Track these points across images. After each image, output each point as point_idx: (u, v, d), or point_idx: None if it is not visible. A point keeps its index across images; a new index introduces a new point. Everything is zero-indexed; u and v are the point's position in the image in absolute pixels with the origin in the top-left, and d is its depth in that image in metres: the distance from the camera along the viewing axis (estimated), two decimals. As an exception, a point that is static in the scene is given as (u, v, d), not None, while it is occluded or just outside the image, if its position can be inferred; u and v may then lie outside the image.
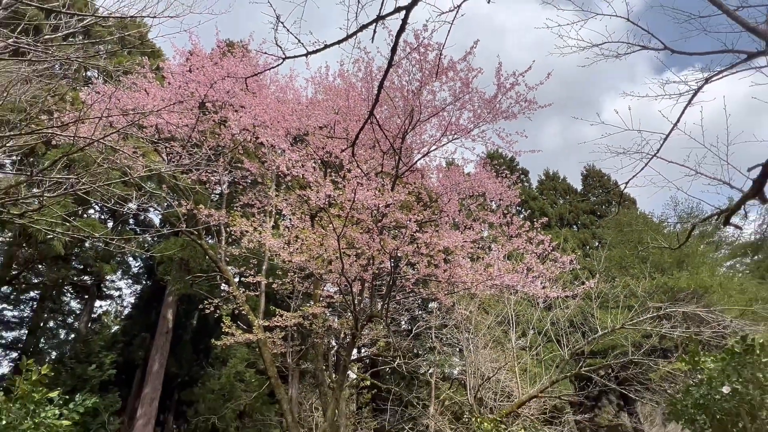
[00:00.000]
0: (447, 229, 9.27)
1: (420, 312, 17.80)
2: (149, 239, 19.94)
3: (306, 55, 3.55)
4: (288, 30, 3.35)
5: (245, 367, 17.80)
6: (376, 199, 8.02)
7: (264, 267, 11.62)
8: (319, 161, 10.15)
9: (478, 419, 8.37)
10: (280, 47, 3.49)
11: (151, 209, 18.70)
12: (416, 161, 9.67)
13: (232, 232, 10.11)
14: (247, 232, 9.45)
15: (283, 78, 11.37)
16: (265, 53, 6.34)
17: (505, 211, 9.75)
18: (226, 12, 5.31)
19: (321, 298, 10.63)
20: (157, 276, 19.49)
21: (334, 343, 16.84)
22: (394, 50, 3.80)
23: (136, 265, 24.70)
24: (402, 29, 3.52)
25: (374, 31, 3.51)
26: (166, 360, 18.44)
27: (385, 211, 8.40)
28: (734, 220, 5.00)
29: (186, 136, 9.54)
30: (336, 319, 12.64)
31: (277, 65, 3.72)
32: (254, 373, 17.87)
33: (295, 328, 11.49)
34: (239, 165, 11.14)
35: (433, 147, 9.32)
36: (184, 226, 10.27)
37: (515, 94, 8.25)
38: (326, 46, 3.56)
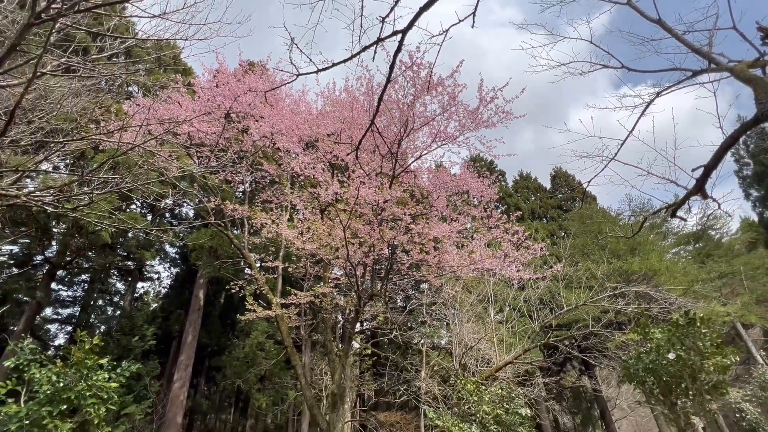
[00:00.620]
0: (436, 221, 9.28)
1: (413, 292, 17.85)
2: (183, 230, 19.92)
3: (316, 72, 3.53)
4: (301, 51, 3.33)
5: (265, 339, 17.85)
6: (376, 196, 8.01)
7: (281, 254, 11.63)
8: (328, 164, 10.12)
9: (463, 381, 8.42)
10: (294, 65, 3.47)
11: (185, 204, 18.65)
12: (410, 164, 9.65)
13: (254, 224, 10.10)
14: (266, 224, 9.43)
15: (297, 92, 11.30)
16: (282, 70, 6.29)
17: (486, 206, 9.75)
18: (248, 35, 5.27)
19: (329, 280, 10.65)
20: (190, 261, 19.49)
21: (340, 318, 16.89)
22: (391, 68, 3.77)
23: (172, 252, 24.69)
24: (398, 50, 3.49)
25: (375, 52, 3.49)
26: (198, 332, 18.49)
27: (384, 206, 8.39)
28: (680, 213, 5.00)
29: (214, 142, 9.49)
30: (342, 298, 12.67)
31: (292, 81, 3.70)
32: (273, 343, 17.93)
33: (307, 305, 11.52)
34: (259, 167, 11.11)
35: (425, 152, 9.30)
36: (213, 218, 10.25)
37: (495, 106, 8.23)
38: (334, 65, 3.54)
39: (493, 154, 8.85)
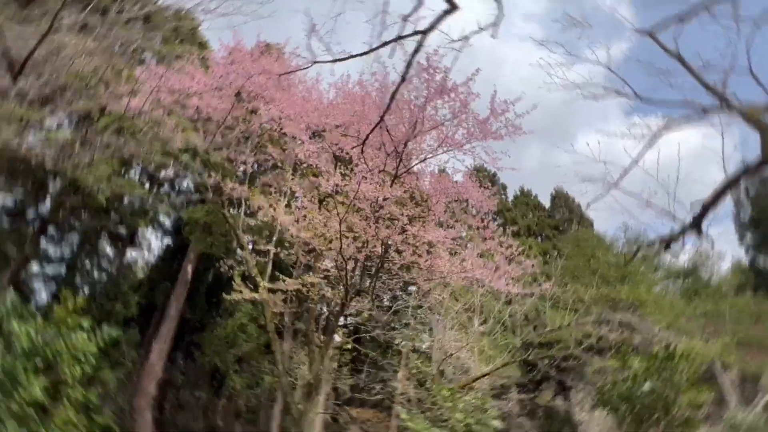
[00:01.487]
0: (432, 225, 9.30)
1: (401, 293, 17.88)
2: (180, 202, 19.83)
3: (333, 62, 3.53)
4: (320, 39, 3.33)
5: (248, 321, 17.80)
6: (377, 193, 8.02)
7: (274, 238, 11.59)
8: (332, 155, 10.11)
9: (439, 387, 8.47)
10: (312, 52, 3.47)
11: (185, 178, 18.57)
12: (414, 165, 9.65)
13: (251, 206, 10.08)
14: (263, 207, 9.43)
15: (310, 80, 11.25)
16: (298, 56, 6.28)
17: (483, 217, 9.78)
18: (269, 16, 5.26)
19: (319, 271, 10.66)
20: (183, 234, 19.38)
21: (325, 309, 16.90)
22: (408, 68, 3.78)
23: (166, 223, 24.53)
24: (417, 51, 3.49)
25: (393, 50, 3.49)
26: (182, 307, 18.45)
27: (383, 203, 8.40)
28: (673, 247, 5.04)
29: (221, 118, 9.46)
30: (330, 290, 12.66)
31: (307, 68, 3.70)
32: (255, 326, 17.87)
33: (294, 293, 11.50)
34: (264, 150, 11.08)
35: (430, 155, 9.30)
36: (211, 195, 10.23)
37: (505, 119, 8.23)
38: (351, 57, 3.54)
39: (497, 166, 8.90)
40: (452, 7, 3.29)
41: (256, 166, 13.00)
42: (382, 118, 4.07)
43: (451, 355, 12.35)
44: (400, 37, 3.34)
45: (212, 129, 9.53)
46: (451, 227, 9.45)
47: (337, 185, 8.64)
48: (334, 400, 20.32)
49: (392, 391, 14.03)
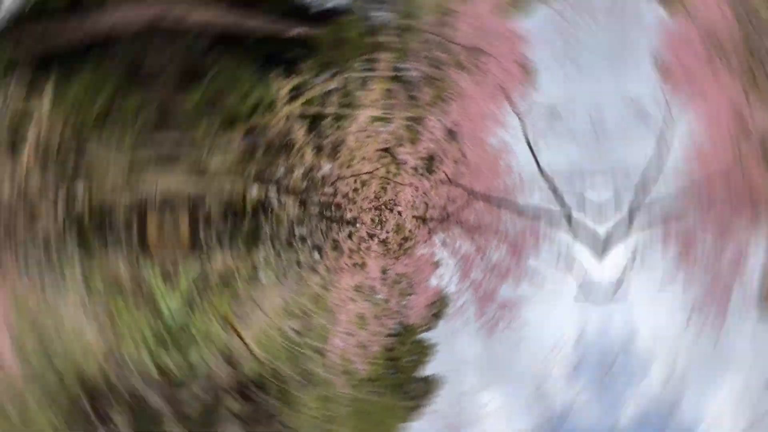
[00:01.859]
0: (380, 266, 9.39)
1: (309, 249, 17.93)
2: (356, 10, 19.73)
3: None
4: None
5: (249, 108, 17.74)
6: (404, 206, 8.13)
7: (342, 110, 11.54)
8: (431, 154, 10.10)
9: (225, 302, 8.51)
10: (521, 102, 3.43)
11: (383, 14, 18.53)
12: (437, 236, 9.62)
13: (367, 81, 10.03)
14: (370, 95, 9.44)
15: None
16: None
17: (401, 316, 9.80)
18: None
19: (321, 160, 10.70)
20: (325, 21, 19.32)
21: (281, 173, 16.89)
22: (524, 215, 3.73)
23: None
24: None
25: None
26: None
27: (394, 213, 8.48)
28: None
29: (461, 23, 9.31)
30: (300, 177, 12.67)
31: (501, 106, 3.71)
32: (244, 119, 17.87)
33: (289, 143, 11.53)
34: (432, 86, 10.99)
35: (451, 246, 9.24)
36: (373, 41, 10.19)
37: (499, 312, 8.17)
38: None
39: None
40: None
41: (411, 78, 12.89)
42: (472, 193, 4.05)
43: (259, 312, 12.38)
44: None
45: (444, 22, 9.36)
46: (384, 285, 9.48)
47: (404, 163, 8.70)
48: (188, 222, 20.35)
49: (209, 262, 14.06)
